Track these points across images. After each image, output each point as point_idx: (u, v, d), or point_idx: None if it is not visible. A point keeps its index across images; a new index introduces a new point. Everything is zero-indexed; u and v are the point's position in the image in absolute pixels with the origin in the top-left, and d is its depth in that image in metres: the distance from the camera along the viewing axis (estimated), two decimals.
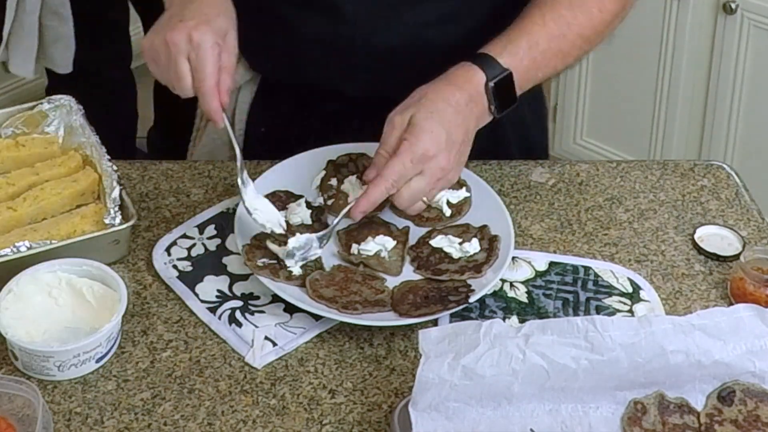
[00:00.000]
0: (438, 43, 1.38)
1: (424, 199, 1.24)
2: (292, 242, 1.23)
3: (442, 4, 1.37)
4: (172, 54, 1.20)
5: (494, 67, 1.25)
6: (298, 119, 1.47)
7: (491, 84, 1.24)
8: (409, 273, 1.25)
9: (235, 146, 1.25)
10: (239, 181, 1.24)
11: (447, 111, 1.21)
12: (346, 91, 1.42)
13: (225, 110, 1.23)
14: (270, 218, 1.25)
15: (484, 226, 1.30)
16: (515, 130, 1.49)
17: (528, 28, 1.29)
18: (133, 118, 2.77)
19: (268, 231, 1.24)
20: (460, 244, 1.26)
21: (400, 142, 1.20)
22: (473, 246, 1.26)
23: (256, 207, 1.24)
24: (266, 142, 1.49)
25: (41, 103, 1.38)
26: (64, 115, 1.37)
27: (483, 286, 1.21)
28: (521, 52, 1.27)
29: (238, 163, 1.25)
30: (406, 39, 1.38)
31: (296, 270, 1.22)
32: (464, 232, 1.29)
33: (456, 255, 1.26)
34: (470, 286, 1.21)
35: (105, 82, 2.54)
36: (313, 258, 1.24)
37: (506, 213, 1.31)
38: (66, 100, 1.38)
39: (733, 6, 2.48)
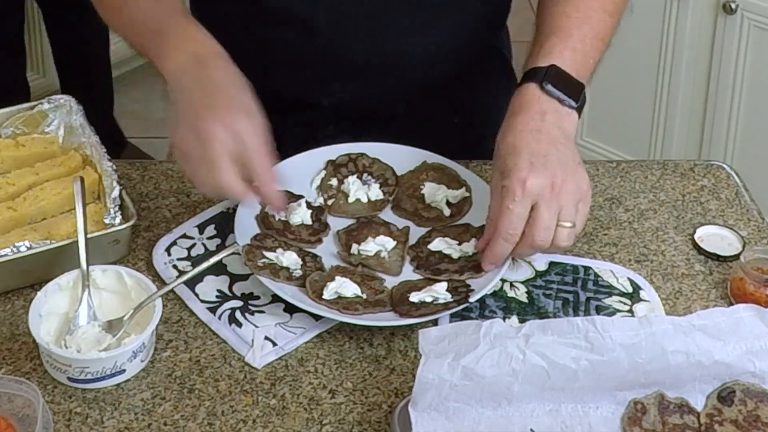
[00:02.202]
0: (411, 51, 1.39)
1: (566, 224, 1.18)
2: None
3: (415, 13, 1.38)
4: (206, 145, 1.13)
5: (537, 72, 1.25)
6: (272, 128, 1.47)
7: (546, 86, 1.23)
8: (408, 273, 1.25)
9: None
10: None
11: (523, 138, 1.20)
12: (321, 102, 1.43)
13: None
14: None
15: (484, 226, 1.29)
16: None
17: (555, 26, 1.30)
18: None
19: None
20: (459, 245, 1.27)
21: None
22: (473, 246, 1.26)
23: None
24: None
25: (41, 103, 1.37)
26: (64, 115, 1.37)
27: (483, 286, 1.21)
28: (556, 49, 1.27)
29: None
30: (379, 49, 1.39)
31: None
32: (464, 232, 1.29)
33: (456, 255, 1.26)
34: (470, 286, 1.21)
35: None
36: None
37: None
38: (66, 100, 1.38)
39: (733, 6, 2.48)
